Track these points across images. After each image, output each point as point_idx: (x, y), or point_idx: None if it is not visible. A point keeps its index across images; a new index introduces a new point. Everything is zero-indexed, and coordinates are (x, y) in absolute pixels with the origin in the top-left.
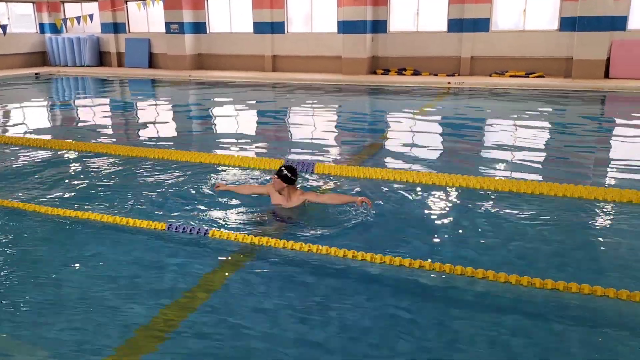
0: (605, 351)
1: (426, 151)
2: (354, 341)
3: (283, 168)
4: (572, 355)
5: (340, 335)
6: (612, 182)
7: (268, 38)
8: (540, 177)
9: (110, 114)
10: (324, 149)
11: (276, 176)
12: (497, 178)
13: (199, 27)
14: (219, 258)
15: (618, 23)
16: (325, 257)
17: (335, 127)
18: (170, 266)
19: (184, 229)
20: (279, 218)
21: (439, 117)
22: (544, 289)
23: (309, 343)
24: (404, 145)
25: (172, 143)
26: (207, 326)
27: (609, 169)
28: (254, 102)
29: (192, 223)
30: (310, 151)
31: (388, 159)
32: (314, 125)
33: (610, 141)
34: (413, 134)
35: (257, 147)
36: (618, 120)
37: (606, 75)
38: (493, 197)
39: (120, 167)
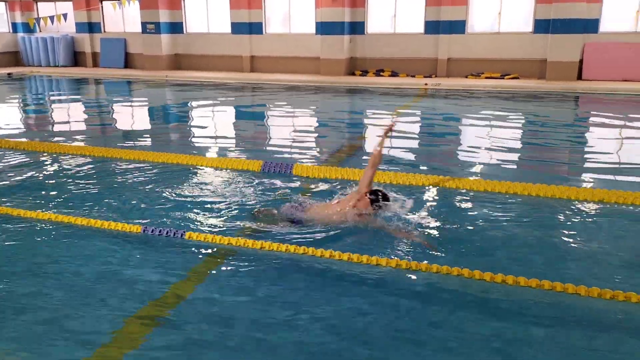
0: (577, 349)
1: (403, 151)
2: (336, 342)
3: (380, 195)
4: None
5: (324, 337)
6: (584, 181)
7: (246, 38)
8: (514, 177)
9: (84, 114)
10: (303, 149)
11: (370, 197)
12: (472, 178)
13: (176, 27)
14: (196, 260)
15: (590, 26)
16: (308, 257)
17: (314, 127)
18: (145, 269)
19: (160, 231)
20: (293, 218)
21: (416, 118)
22: (517, 286)
23: (291, 344)
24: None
25: (148, 144)
26: (183, 328)
27: (581, 169)
28: (231, 103)
29: (169, 225)
30: (289, 152)
31: (366, 160)
32: (292, 126)
33: (583, 141)
34: (390, 134)
35: (235, 148)
36: (591, 121)
37: (579, 76)
38: (468, 196)
39: (94, 169)
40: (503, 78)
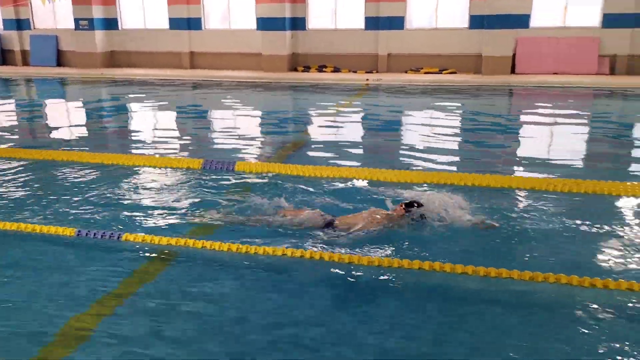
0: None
1: (347, 146)
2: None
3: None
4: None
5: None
6: (518, 170)
7: (185, 34)
8: (453, 168)
9: (14, 116)
10: (245, 147)
11: (404, 207)
12: (412, 170)
13: (111, 23)
14: (133, 262)
15: (522, 21)
16: (252, 256)
17: (257, 124)
18: (80, 274)
19: (95, 234)
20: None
21: (358, 113)
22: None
23: (234, 341)
24: (326, 141)
25: (83, 145)
26: (121, 333)
27: (515, 158)
28: (171, 100)
29: (105, 227)
30: (231, 150)
31: (310, 155)
32: (234, 123)
33: (517, 133)
34: (334, 129)
35: (175, 147)
36: (524, 113)
37: (513, 71)
38: (409, 189)
39: (26, 172)
40: (441, 73)
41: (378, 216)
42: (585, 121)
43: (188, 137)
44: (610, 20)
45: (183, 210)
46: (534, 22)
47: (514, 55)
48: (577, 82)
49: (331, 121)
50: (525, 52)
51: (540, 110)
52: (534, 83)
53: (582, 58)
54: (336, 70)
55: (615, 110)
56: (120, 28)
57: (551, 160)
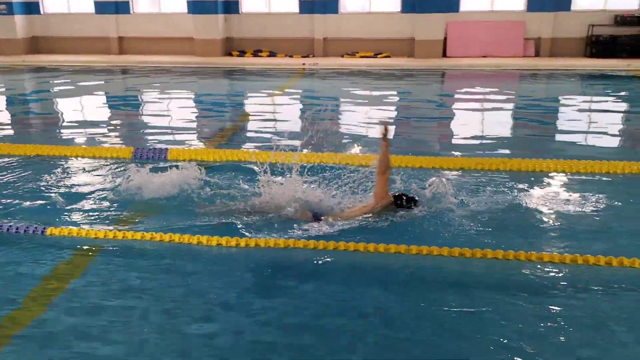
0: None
1: (284, 131)
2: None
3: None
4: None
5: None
6: (449, 150)
7: (112, 19)
8: (395, 150)
9: None
10: (179, 134)
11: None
12: (348, 153)
13: (31, 7)
14: (59, 256)
15: (452, 5)
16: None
17: (191, 111)
18: (0, 271)
19: (16, 229)
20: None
21: (295, 98)
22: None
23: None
24: (262, 126)
25: (4, 135)
26: (46, 331)
27: (447, 139)
28: (99, 87)
29: (29, 221)
30: (164, 137)
31: (246, 141)
32: (167, 110)
33: (450, 113)
34: (271, 114)
35: (104, 136)
36: (455, 94)
37: (444, 54)
38: (349, 171)
39: None
40: (376, 57)
41: (365, 208)
42: (513, 102)
43: (118, 126)
44: (534, 4)
45: (111, 202)
46: (463, 6)
47: (445, 39)
48: (506, 64)
49: (268, 106)
50: (455, 36)
51: (471, 92)
52: (465, 66)
53: (509, 41)
54: (272, 54)
55: (540, 90)
56: (42, 12)
57: (481, 140)
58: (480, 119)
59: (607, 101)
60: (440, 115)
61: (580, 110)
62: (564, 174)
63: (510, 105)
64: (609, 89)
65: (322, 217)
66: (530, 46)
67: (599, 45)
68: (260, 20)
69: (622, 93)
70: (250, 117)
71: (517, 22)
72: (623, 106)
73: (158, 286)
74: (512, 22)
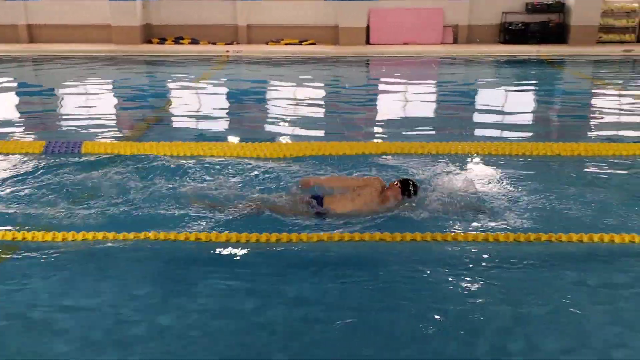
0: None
1: (208, 121)
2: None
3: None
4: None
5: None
6: (377, 136)
7: (20, 5)
8: (318, 136)
9: None
10: (95, 126)
11: (399, 186)
12: (279, 142)
13: None
14: None
15: None
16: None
17: (108, 101)
18: None
19: None
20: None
21: (219, 86)
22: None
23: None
24: (186, 116)
25: None
26: None
27: (375, 126)
28: (6, 78)
29: None
30: (79, 129)
31: (169, 132)
32: (82, 101)
33: (375, 100)
34: (194, 104)
35: (12, 130)
36: (379, 81)
37: (368, 41)
38: (284, 161)
39: None
40: (301, 44)
41: (371, 200)
42: (433, 87)
43: (28, 119)
44: None
45: (17, 201)
46: None
47: (368, 26)
48: (426, 51)
49: (191, 95)
50: (377, 23)
51: (395, 79)
52: (387, 53)
53: (428, 28)
54: (194, 42)
55: (459, 75)
56: None
57: (401, 125)
58: (402, 105)
59: (518, 84)
60: (366, 102)
61: (495, 95)
62: (478, 156)
63: (431, 90)
64: (520, 73)
65: (323, 198)
66: (448, 33)
67: (511, 32)
68: (181, 7)
69: (532, 77)
70: (171, 107)
71: (435, 9)
72: (532, 89)
73: (76, 285)
74: (430, 9)
